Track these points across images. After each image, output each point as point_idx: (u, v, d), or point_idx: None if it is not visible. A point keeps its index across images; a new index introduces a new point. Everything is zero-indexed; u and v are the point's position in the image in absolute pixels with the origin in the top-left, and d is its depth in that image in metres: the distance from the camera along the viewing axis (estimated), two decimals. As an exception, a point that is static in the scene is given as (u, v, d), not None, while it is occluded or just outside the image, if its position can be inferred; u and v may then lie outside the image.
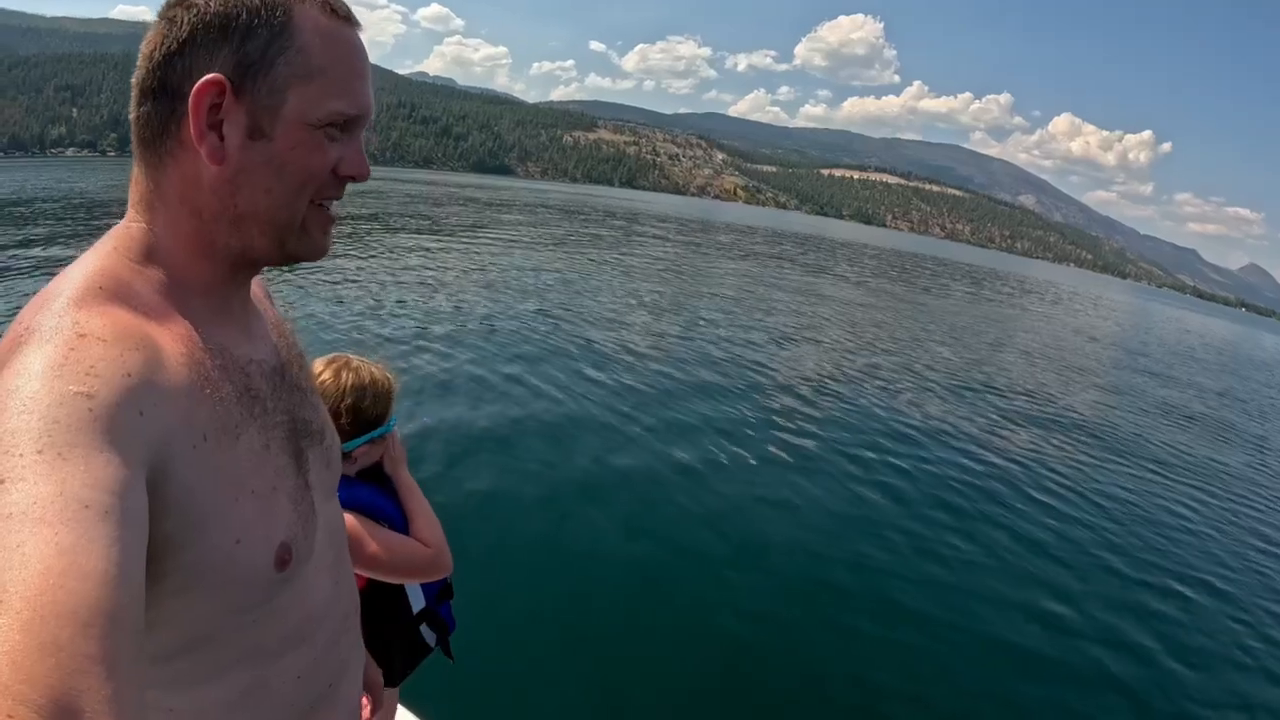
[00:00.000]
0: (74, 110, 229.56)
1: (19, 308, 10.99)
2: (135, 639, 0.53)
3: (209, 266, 0.84)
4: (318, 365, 1.77)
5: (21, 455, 0.56)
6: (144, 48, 0.78)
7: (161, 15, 0.78)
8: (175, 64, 0.76)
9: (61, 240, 17.19)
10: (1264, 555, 7.40)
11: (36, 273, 12.53)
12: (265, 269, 0.92)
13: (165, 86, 0.76)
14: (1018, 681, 4.45)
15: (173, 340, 0.76)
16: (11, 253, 14.56)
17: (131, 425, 0.64)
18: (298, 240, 0.85)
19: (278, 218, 0.82)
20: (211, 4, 0.76)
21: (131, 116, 0.79)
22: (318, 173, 0.82)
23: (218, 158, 0.77)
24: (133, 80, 0.79)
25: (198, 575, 0.75)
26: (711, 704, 3.92)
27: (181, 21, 0.76)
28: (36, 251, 15.05)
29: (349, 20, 0.82)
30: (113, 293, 0.74)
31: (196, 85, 0.74)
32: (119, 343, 0.68)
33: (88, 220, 22.15)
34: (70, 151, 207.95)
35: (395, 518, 1.72)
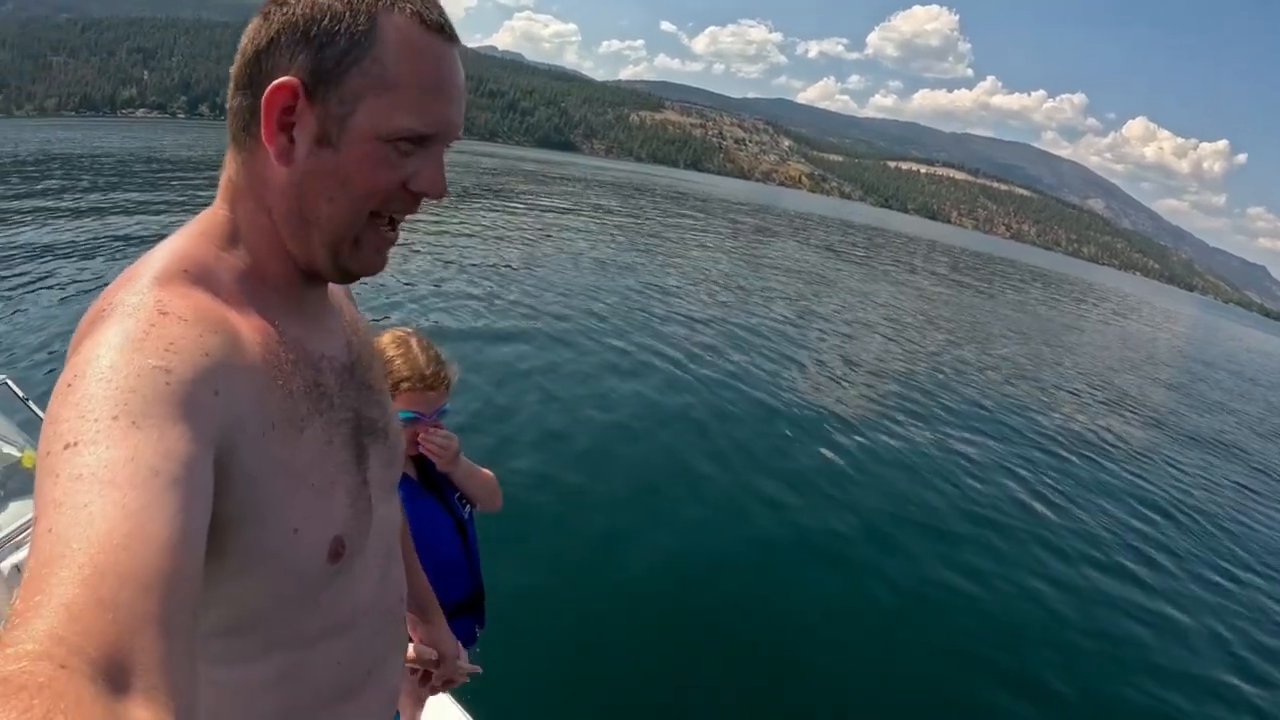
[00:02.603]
0: (145, 73, 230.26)
1: (110, 257, 10.98)
2: (192, 606, 0.53)
3: (282, 263, 0.85)
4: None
5: (97, 420, 0.57)
6: (242, 40, 0.79)
7: (261, 10, 0.78)
8: (263, 61, 0.76)
9: (144, 192, 19.35)
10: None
11: (128, 228, 13.88)
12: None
13: (253, 82, 0.77)
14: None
15: (250, 328, 0.77)
16: (97, 203, 16.16)
17: (206, 403, 0.65)
18: (351, 254, 0.84)
19: (336, 228, 0.81)
20: (300, 5, 0.76)
21: (228, 106, 0.80)
22: (382, 187, 0.80)
23: (285, 160, 0.78)
24: (231, 70, 0.79)
25: (253, 560, 0.76)
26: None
27: (273, 19, 0.76)
28: (122, 202, 16.56)
29: (441, 32, 0.79)
30: (196, 276, 0.75)
31: (269, 88, 0.75)
32: (199, 324, 0.70)
33: (166, 178, 24.18)
34: (140, 112, 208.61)
35: None
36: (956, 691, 4.26)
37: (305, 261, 0.85)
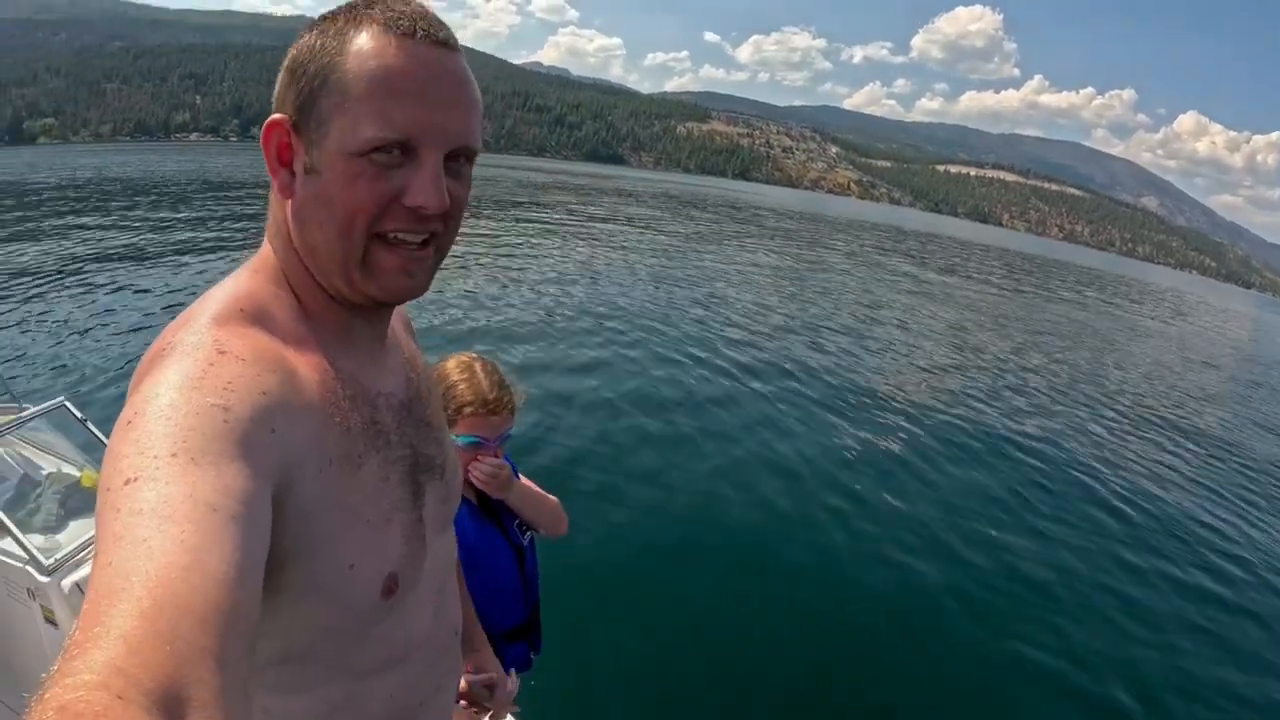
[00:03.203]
0: (198, 98, 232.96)
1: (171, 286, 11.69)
2: (248, 639, 0.54)
3: (320, 296, 0.85)
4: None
5: (156, 457, 0.58)
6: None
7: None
8: (276, 108, 0.80)
9: (204, 215, 20.24)
10: None
11: (185, 248, 14.75)
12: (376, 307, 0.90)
13: None
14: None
15: (307, 367, 0.79)
16: (160, 223, 17.68)
17: (263, 440, 0.66)
18: (364, 278, 0.81)
19: (333, 252, 0.80)
20: (293, 50, 0.79)
21: None
22: (365, 204, 0.77)
23: (286, 192, 0.80)
24: None
25: (309, 593, 0.78)
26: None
27: (282, 69, 0.80)
28: (181, 223, 18.09)
29: (412, 35, 0.76)
30: (252, 315, 0.78)
31: (264, 126, 0.78)
32: (257, 363, 0.71)
33: (225, 199, 25.03)
34: (194, 136, 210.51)
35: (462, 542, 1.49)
36: (1053, 685, 4.35)
37: (332, 291, 0.84)
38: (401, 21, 0.76)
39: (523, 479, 1.90)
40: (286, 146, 0.78)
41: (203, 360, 0.68)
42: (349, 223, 0.77)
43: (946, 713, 4.01)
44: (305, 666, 0.86)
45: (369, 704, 0.94)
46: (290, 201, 0.80)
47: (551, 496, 1.98)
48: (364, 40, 0.75)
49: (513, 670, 1.75)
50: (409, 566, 0.90)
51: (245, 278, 0.84)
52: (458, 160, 0.81)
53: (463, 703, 1.59)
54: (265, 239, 0.87)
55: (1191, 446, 10.54)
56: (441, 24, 0.78)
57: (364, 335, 0.90)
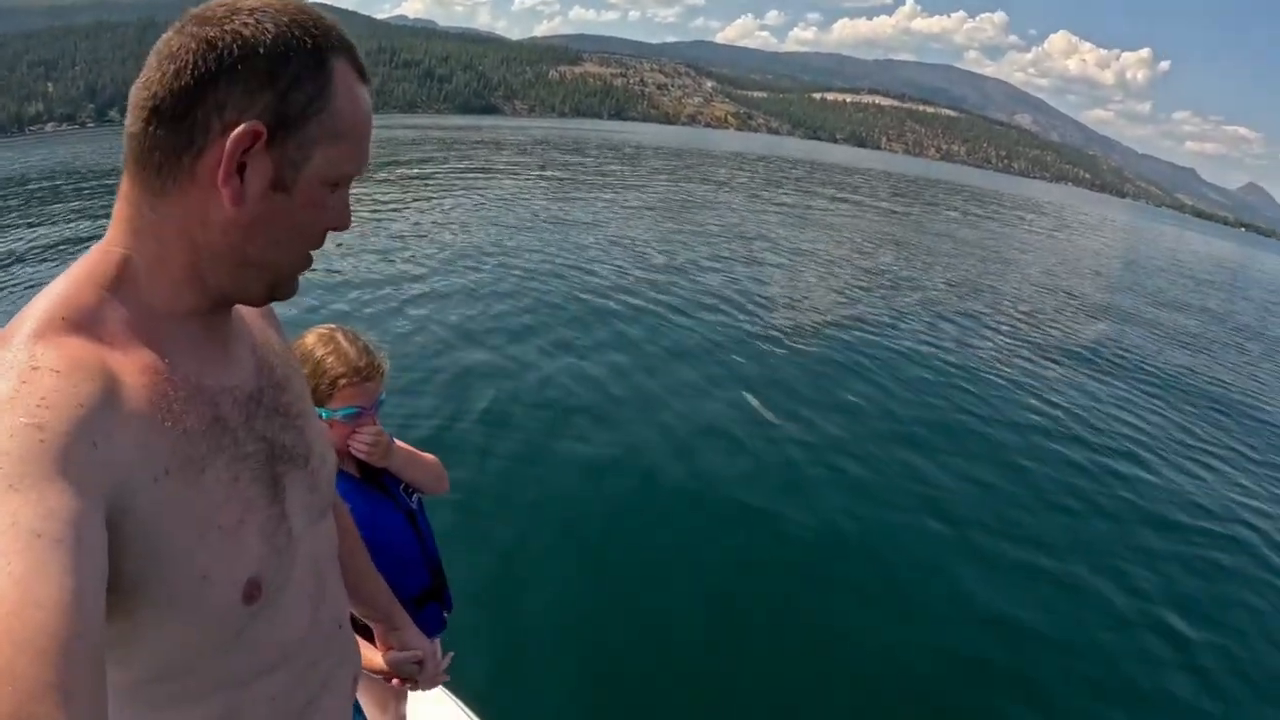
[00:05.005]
0: (49, 85, 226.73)
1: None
2: (94, 666, 0.52)
3: (193, 298, 0.82)
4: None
5: None
6: (164, 62, 0.72)
7: (195, 31, 0.72)
8: (209, 95, 0.72)
9: (65, 216, 16.85)
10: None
11: (47, 254, 12.28)
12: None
13: (190, 115, 0.72)
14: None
15: (134, 371, 0.74)
16: (16, 235, 13.98)
17: (85, 456, 0.63)
18: (284, 287, 0.86)
19: (281, 268, 0.83)
20: (262, 40, 0.72)
21: (131, 131, 0.74)
22: (321, 229, 0.83)
23: (238, 201, 0.76)
24: (141, 94, 0.73)
25: (166, 610, 0.75)
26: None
27: (227, 50, 0.71)
28: (43, 231, 14.52)
29: (367, 83, 0.83)
30: (74, 323, 0.72)
31: (237, 131, 0.72)
32: (73, 374, 0.67)
33: (84, 190, 21.66)
34: (50, 127, 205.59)
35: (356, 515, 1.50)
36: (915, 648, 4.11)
37: (234, 296, 0.84)
38: (364, 64, 0.81)
39: (398, 443, 1.89)
40: (246, 152, 0.74)
41: (15, 379, 0.64)
42: (307, 243, 0.83)
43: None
44: (181, 681, 0.84)
45: (252, 710, 0.92)
46: (236, 210, 0.76)
47: (430, 455, 1.98)
48: (346, 75, 0.78)
49: (438, 639, 1.79)
50: (273, 567, 0.87)
51: (69, 283, 0.77)
52: None
53: (395, 681, 1.61)
54: (117, 240, 0.79)
55: (1089, 355, 11.05)
56: None
57: (210, 331, 0.87)
